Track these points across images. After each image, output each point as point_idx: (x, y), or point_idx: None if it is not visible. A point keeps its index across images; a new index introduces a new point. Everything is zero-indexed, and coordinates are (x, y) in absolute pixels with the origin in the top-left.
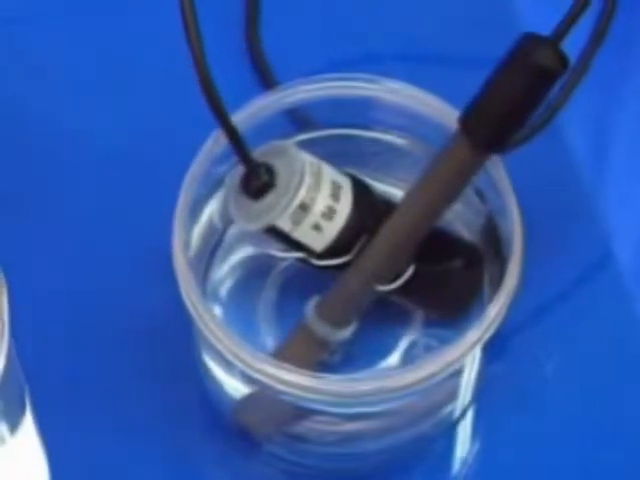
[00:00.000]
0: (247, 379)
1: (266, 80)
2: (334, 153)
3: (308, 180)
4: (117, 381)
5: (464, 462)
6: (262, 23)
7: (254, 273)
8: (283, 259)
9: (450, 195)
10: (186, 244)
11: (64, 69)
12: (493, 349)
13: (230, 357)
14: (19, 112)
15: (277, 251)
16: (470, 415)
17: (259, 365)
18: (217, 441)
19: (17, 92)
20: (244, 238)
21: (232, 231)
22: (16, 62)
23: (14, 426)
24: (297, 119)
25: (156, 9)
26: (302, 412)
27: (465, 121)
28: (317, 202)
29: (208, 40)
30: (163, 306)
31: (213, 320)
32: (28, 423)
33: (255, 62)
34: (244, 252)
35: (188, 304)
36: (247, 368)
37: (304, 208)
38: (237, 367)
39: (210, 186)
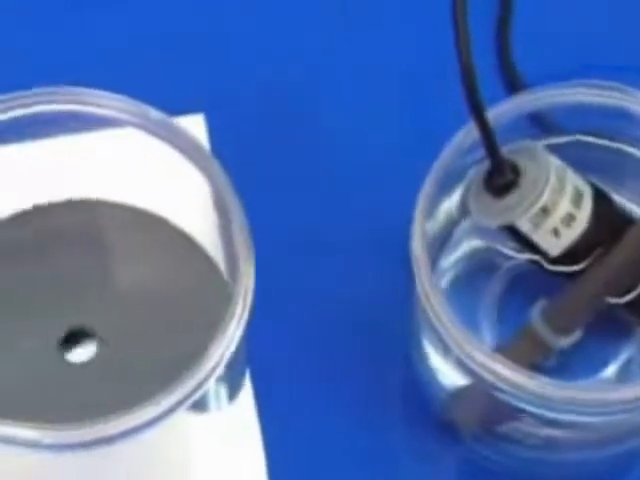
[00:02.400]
0: (465, 370)
1: (514, 82)
2: (575, 160)
3: (553, 184)
4: (330, 359)
5: None
6: (513, 25)
7: (480, 268)
8: (512, 258)
9: None
10: (424, 231)
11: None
12: None
13: (453, 347)
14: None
15: (509, 250)
16: None
17: (481, 358)
18: (420, 430)
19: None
20: (476, 232)
21: (465, 224)
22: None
23: (233, 394)
24: (541, 123)
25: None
26: (513, 412)
27: None
28: (559, 207)
29: None
30: (381, 289)
31: (442, 307)
32: (247, 393)
33: (504, 64)
34: (474, 245)
35: (419, 289)
36: (468, 359)
37: (545, 211)
38: (459, 358)
39: (452, 177)
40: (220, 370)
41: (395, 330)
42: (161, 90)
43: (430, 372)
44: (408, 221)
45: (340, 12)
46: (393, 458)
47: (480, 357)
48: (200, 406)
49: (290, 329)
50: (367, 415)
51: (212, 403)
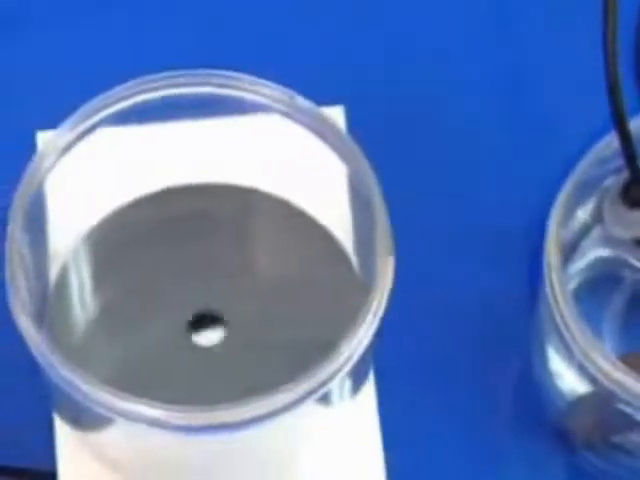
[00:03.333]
0: (588, 377)
1: None
2: None
3: None
4: (452, 358)
5: None
6: None
7: (606, 277)
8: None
9: None
10: (559, 238)
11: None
12: None
13: (578, 353)
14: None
15: (638, 262)
16: None
17: (605, 366)
18: (533, 434)
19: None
20: (606, 242)
21: (596, 232)
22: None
23: (356, 388)
24: None
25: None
26: (631, 423)
27: None
28: None
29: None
30: (505, 289)
31: (570, 314)
32: (370, 388)
33: None
34: (602, 255)
35: (549, 294)
36: (592, 366)
37: None
38: (582, 365)
39: (589, 186)
40: (352, 364)
41: (517, 332)
42: (301, 80)
43: (550, 377)
44: (537, 222)
45: (487, 15)
46: (503, 460)
47: (605, 365)
48: (324, 398)
49: (412, 326)
50: (483, 416)
51: (336, 396)
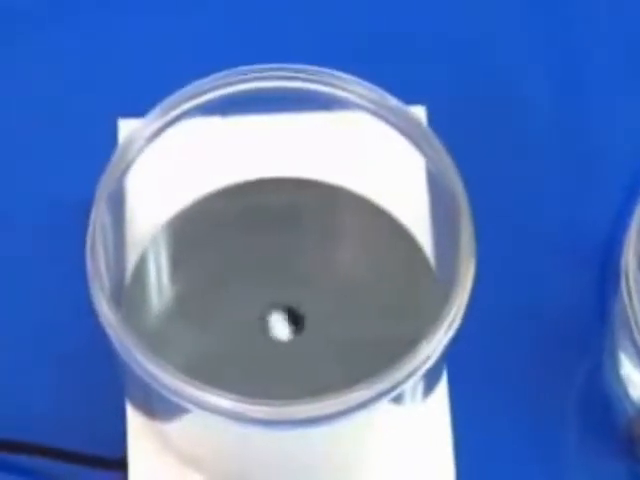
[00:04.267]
0: None
1: None
2: None
3: None
4: (518, 361)
5: None
6: None
7: None
8: None
9: None
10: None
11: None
12: None
13: None
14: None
15: None
16: None
17: None
18: (598, 440)
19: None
20: None
21: None
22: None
23: (429, 390)
24: None
25: None
26: None
27: None
28: None
29: None
30: (575, 293)
31: None
32: (442, 391)
33: None
34: None
35: (624, 298)
36: None
37: None
38: None
39: None
40: (430, 366)
41: (586, 338)
42: (382, 80)
43: (621, 384)
44: (609, 228)
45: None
46: (570, 466)
47: None
48: (398, 398)
49: (483, 330)
50: (551, 421)
51: (408, 396)
